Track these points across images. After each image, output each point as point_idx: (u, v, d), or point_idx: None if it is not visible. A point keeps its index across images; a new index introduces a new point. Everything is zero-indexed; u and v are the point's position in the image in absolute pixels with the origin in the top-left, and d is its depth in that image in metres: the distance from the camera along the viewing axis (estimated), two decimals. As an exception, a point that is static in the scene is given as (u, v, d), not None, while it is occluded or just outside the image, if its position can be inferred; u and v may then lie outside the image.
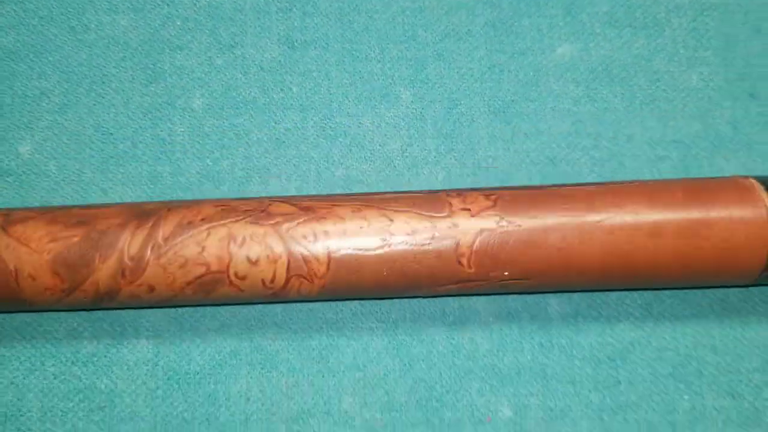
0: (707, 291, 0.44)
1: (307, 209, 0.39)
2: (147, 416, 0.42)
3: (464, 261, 0.39)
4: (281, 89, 0.48)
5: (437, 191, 0.40)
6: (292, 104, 0.48)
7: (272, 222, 0.39)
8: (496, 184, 0.46)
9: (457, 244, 0.39)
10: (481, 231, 0.39)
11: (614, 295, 0.44)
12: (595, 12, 0.49)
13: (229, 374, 0.43)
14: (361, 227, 0.39)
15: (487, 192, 0.40)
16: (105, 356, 0.43)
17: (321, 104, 0.48)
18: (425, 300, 0.44)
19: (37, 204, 0.45)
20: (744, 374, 0.43)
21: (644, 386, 0.43)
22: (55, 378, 0.43)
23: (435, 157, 0.47)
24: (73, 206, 0.41)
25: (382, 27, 0.49)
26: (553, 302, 0.44)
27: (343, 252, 0.39)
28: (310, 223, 0.39)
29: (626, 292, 0.44)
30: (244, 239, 0.38)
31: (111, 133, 0.47)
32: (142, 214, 0.39)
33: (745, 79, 0.48)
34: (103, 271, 0.39)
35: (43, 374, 0.43)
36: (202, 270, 0.38)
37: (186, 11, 0.49)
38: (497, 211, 0.39)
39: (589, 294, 0.44)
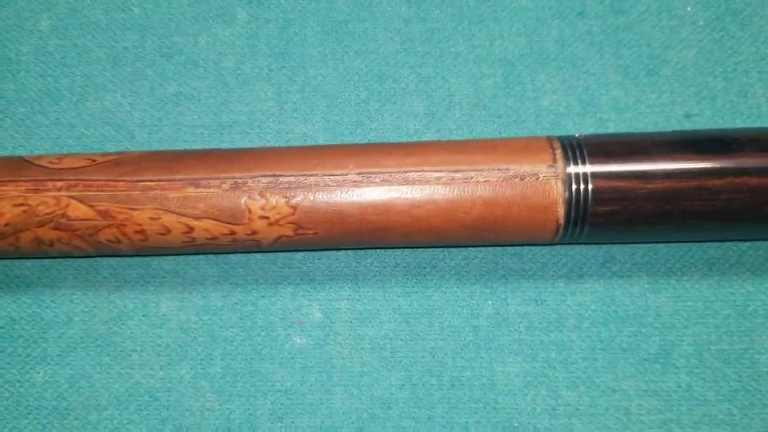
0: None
1: (104, 214, 0.39)
2: (-25, 317, 0.44)
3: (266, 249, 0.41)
4: (123, 10, 0.49)
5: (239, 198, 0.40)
6: (132, 24, 0.49)
7: (75, 230, 0.40)
8: (324, 103, 0.47)
9: (259, 244, 0.40)
10: (280, 237, 0.40)
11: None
12: (432, -66, 0.50)
13: (56, 278, 0.45)
14: (160, 234, 0.40)
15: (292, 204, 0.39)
16: (-61, 261, 0.45)
17: (159, 24, 0.49)
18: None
19: None
20: (549, 281, 0.44)
21: (451, 292, 0.44)
22: None
23: (267, 74, 0.48)
24: None
25: (225, -50, 0.50)
26: (369, 212, 0.45)
27: (149, 250, 0.41)
28: (111, 230, 0.40)
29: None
30: (52, 242, 0.40)
31: (-39, 54, 0.49)
32: None
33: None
34: None
35: None
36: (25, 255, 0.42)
37: (39, -63, 0.51)
38: (295, 219, 0.39)
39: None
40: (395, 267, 0.44)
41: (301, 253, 0.44)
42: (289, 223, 0.39)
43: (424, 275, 0.44)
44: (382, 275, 0.44)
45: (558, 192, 0.38)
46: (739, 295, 0.43)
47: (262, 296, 0.44)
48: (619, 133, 0.41)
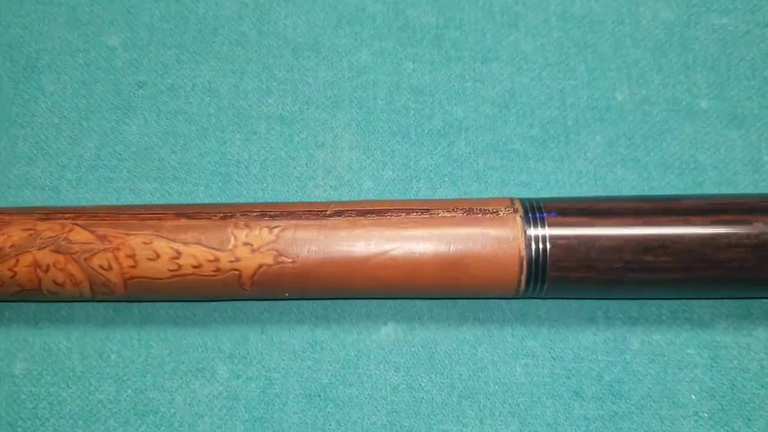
0: None
1: (102, 238, 0.43)
2: None
3: (247, 287, 0.43)
4: (100, 356, 0.47)
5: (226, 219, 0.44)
6: (108, 374, 0.47)
7: (72, 252, 0.43)
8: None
9: (240, 277, 0.43)
10: (260, 266, 0.43)
11: None
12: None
13: None
14: (150, 258, 0.43)
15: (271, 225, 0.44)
16: None
17: (136, 375, 0.46)
18: None
19: None
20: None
21: None
22: None
23: (243, 441, 0.45)
24: None
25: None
26: None
27: (136, 281, 0.43)
28: (105, 254, 0.43)
29: None
30: (48, 267, 0.43)
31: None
32: None
33: (571, 378, 0.46)
34: None
35: None
36: (18, 289, 0.44)
37: None
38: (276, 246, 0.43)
39: None
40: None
41: None
42: (269, 249, 0.42)
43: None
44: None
45: (519, 251, 0.42)
46: None
47: None
48: (578, 197, 0.45)
